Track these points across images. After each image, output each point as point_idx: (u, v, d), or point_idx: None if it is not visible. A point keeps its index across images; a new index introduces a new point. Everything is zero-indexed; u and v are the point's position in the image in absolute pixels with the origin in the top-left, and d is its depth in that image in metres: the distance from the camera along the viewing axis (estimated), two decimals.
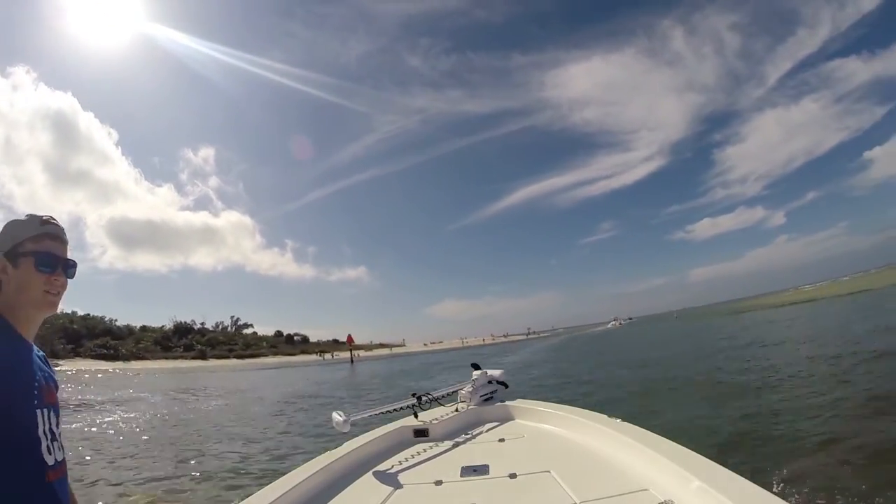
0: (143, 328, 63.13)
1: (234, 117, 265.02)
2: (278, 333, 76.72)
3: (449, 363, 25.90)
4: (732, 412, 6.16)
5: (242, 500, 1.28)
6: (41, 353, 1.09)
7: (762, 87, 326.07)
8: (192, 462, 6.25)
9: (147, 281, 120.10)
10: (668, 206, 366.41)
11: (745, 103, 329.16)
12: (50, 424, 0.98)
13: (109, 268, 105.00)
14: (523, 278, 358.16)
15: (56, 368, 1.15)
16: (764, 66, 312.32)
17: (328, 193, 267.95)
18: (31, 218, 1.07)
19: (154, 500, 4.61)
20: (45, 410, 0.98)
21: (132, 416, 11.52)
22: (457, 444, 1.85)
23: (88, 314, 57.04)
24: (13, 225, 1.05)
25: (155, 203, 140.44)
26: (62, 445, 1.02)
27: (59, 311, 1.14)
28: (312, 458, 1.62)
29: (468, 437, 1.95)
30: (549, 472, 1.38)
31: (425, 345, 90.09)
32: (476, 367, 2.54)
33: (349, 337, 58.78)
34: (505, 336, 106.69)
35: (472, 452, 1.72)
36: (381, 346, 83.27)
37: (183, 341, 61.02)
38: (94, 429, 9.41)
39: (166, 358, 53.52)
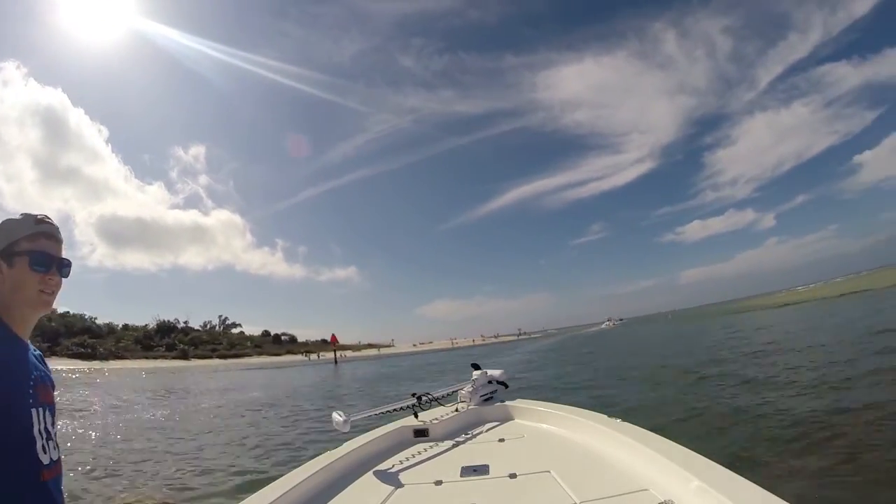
0: (125, 327, 61.64)
1: (224, 115, 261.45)
2: (265, 333, 75.84)
3: (439, 365, 25.15)
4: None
5: (242, 500, 1.26)
6: (38, 352, 1.10)
7: (753, 91, 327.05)
8: None
9: (136, 280, 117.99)
10: (659, 209, 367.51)
11: (735, 106, 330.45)
12: (45, 423, 0.99)
13: (98, 266, 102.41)
14: (514, 279, 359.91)
15: None
16: (755, 69, 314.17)
17: (319, 193, 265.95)
18: (26, 217, 1.07)
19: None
20: (41, 409, 0.99)
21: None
22: (457, 444, 1.85)
23: (68, 312, 55.62)
24: (8, 224, 1.05)
25: (145, 201, 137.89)
26: (57, 445, 1.03)
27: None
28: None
29: (468, 437, 1.95)
30: (549, 471, 1.38)
31: (414, 345, 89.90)
32: (476, 366, 2.53)
33: (333, 336, 57.50)
34: (496, 337, 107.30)
35: (472, 452, 1.72)
36: (370, 346, 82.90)
37: (165, 340, 59.76)
38: None
39: (147, 357, 52.38)
